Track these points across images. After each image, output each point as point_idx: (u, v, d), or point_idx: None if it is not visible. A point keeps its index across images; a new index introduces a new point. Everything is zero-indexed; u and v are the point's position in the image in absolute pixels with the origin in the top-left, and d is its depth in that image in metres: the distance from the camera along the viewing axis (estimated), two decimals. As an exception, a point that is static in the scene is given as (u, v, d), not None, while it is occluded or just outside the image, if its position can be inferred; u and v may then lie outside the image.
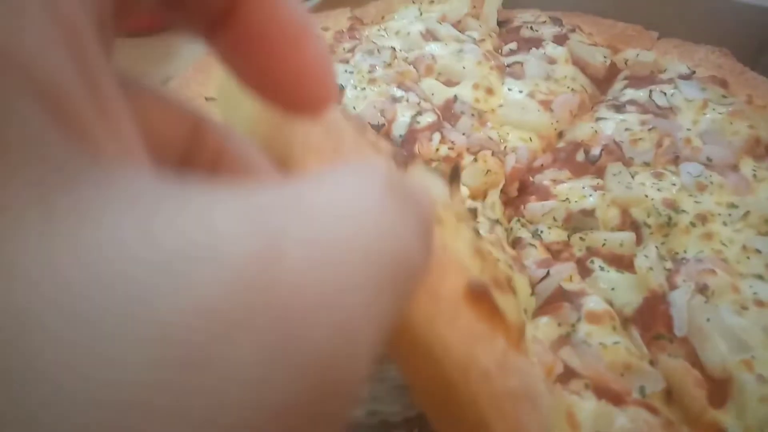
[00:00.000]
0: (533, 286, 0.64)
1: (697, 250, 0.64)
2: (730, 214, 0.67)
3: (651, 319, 0.59)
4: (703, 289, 0.59)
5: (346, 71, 0.84)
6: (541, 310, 0.62)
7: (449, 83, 0.84)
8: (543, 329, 0.60)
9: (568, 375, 0.56)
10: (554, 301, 0.62)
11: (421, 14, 0.95)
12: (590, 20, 0.94)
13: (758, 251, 0.63)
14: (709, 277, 0.60)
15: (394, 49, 0.87)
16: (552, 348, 0.58)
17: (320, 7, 1.10)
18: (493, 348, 0.28)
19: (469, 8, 0.96)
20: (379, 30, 0.93)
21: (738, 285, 0.60)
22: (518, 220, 0.72)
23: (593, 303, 0.60)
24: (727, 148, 0.73)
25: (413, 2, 0.99)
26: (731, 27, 0.89)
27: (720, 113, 0.77)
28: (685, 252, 0.64)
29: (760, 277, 0.61)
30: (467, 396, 0.27)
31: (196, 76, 0.80)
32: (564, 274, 0.63)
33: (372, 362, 0.12)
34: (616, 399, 0.54)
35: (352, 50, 0.89)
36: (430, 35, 0.90)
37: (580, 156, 0.75)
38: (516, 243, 0.70)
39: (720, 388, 0.54)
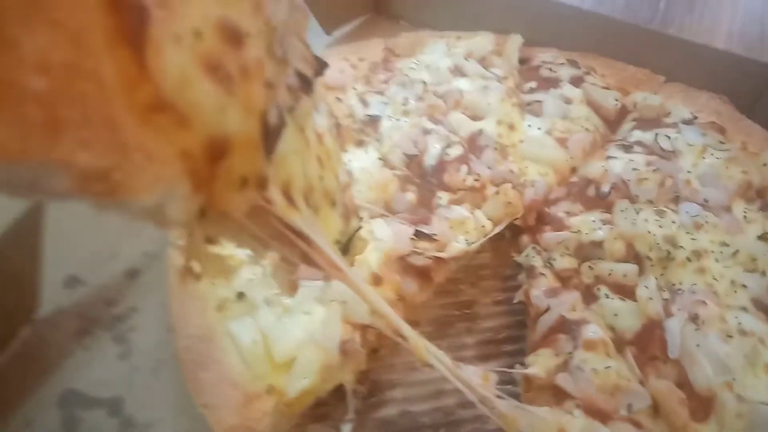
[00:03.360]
0: (537, 317, 0.73)
1: (692, 283, 0.73)
2: (722, 252, 0.76)
3: (648, 342, 0.68)
4: (694, 318, 0.68)
5: (381, 102, 0.93)
6: (539, 344, 0.71)
7: (474, 117, 0.92)
8: (541, 361, 0.69)
9: (562, 397, 0.66)
10: (552, 334, 0.71)
11: (449, 49, 1.03)
12: (604, 62, 1.03)
13: (744, 286, 0.72)
14: (700, 307, 0.69)
15: (425, 83, 0.95)
16: (548, 375, 0.67)
17: (353, 36, 1.19)
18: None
19: (493, 46, 1.04)
20: (410, 63, 1.01)
21: (725, 316, 0.69)
22: (534, 248, 0.81)
23: (591, 331, 0.69)
24: (722, 191, 0.82)
25: (441, 37, 1.07)
26: (731, 76, 0.98)
27: (717, 158, 0.86)
28: (680, 284, 0.73)
29: (744, 309, 0.70)
30: None
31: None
32: (567, 304, 0.72)
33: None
34: (603, 416, 0.63)
35: (386, 81, 0.97)
36: (458, 71, 0.98)
37: (591, 191, 0.84)
38: (529, 271, 0.79)
39: (704, 405, 0.63)
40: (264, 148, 0.30)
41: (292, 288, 0.44)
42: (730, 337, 0.67)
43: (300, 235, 0.35)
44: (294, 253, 0.37)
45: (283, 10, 0.32)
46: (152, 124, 0.24)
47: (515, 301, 0.79)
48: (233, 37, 0.27)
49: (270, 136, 0.30)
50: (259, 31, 0.29)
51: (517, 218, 0.84)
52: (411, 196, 0.82)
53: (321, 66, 0.39)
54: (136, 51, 0.23)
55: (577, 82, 0.97)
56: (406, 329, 0.48)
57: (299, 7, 0.36)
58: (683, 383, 0.65)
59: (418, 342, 0.51)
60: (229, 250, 0.49)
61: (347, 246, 0.45)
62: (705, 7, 1.29)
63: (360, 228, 0.47)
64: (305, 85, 0.35)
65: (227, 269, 0.38)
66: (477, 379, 0.57)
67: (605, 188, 0.83)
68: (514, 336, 0.77)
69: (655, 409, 0.64)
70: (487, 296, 0.82)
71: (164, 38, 0.24)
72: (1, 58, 0.20)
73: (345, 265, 0.39)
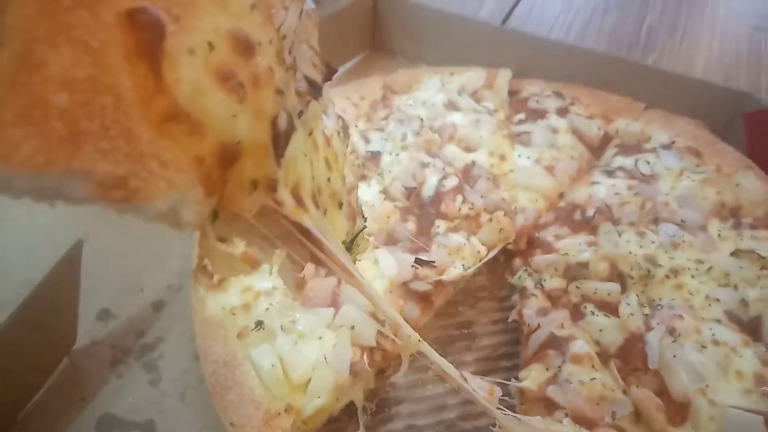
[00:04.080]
0: (529, 334, 0.80)
1: (670, 298, 0.80)
2: (697, 269, 0.82)
3: (630, 354, 0.75)
4: (672, 331, 0.75)
5: (382, 138, 1.01)
6: (531, 359, 0.78)
7: (468, 149, 1.00)
8: (533, 375, 0.76)
9: (553, 407, 0.72)
10: (543, 350, 0.78)
11: (443, 85, 1.11)
12: (588, 92, 1.10)
13: (718, 300, 0.79)
14: (677, 321, 0.76)
15: (422, 119, 1.03)
16: (540, 388, 0.74)
17: (354, 72, 1.27)
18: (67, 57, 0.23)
19: (484, 80, 1.12)
20: (408, 99, 1.09)
21: (700, 328, 0.76)
22: (525, 270, 0.88)
23: (578, 346, 0.75)
24: (698, 211, 0.89)
25: (436, 73, 1.15)
26: (706, 102, 1.05)
27: (693, 180, 0.93)
28: (660, 299, 0.80)
29: (718, 321, 0.77)
30: None
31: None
32: (556, 322, 0.79)
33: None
34: (590, 424, 0.70)
35: (386, 118, 1.05)
36: (452, 106, 1.06)
37: (577, 216, 0.91)
38: (522, 292, 0.86)
39: (681, 410, 0.70)
40: (274, 152, 0.31)
41: (298, 286, 0.47)
42: (704, 347, 0.73)
43: (308, 235, 0.36)
44: (302, 252, 0.38)
45: (293, 19, 0.34)
46: (167, 133, 0.25)
47: (510, 320, 0.85)
48: (245, 47, 0.28)
49: (280, 140, 0.32)
50: (270, 41, 0.31)
51: (509, 243, 0.91)
52: (411, 225, 0.89)
53: (330, 71, 0.40)
54: (153, 65, 0.25)
55: (562, 112, 1.04)
56: (408, 330, 0.50)
57: (309, 14, 0.37)
58: (662, 391, 0.71)
59: (413, 340, 0.50)
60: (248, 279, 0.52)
61: (351, 246, 0.46)
62: (685, 33, 1.37)
63: (364, 228, 0.49)
64: (314, 90, 0.37)
65: (238, 268, 0.38)
66: (483, 393, 0.64)
67: (590, 212, 0.90)
68: (509, 353, 0.84)
69: (637, 416, 0.71)
70: (485, 316, 0.88)
71: (179, 51, 0.25)
72: (30, 78, 0.22)
73: (352, 266, 0.40)
